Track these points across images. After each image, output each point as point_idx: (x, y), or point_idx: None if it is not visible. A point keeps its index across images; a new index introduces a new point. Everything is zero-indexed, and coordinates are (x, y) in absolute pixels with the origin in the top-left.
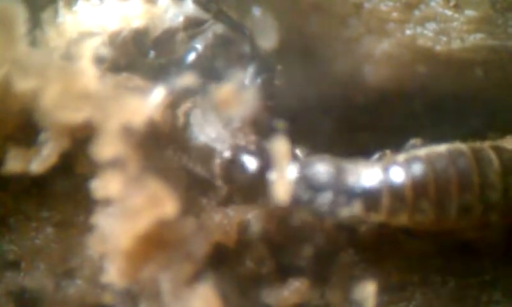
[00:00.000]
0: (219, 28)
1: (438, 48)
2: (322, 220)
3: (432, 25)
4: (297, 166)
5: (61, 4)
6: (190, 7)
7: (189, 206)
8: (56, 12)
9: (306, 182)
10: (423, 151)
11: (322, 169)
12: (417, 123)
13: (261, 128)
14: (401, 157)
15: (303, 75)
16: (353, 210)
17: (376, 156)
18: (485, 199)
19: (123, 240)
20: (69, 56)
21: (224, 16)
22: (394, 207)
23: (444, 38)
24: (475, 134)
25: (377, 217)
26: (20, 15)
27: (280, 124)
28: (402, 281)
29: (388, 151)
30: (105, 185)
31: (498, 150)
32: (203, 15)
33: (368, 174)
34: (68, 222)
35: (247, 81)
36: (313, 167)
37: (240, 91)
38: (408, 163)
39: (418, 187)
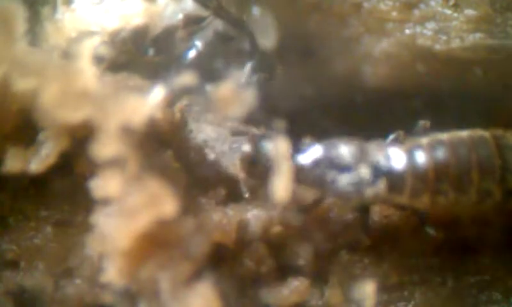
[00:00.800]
0: (218, 25)
1: (438, 47)
2: (347, 200)
3: (431, 25)
4: (321, 147)
5: (59, 1)
6: (189, 5)
7: (189, 206)
8: (54, 9)
9: (331, 163)
10: (445, 136)
11: (346, 149)
12: (417, 122)
13: (260, 128)
14: (424, 140)
15: (302, 75)
16: (377, 189)
17: (391, 137)
18: (505, 184)
19: (123, 239)
20: (68, 55)
21: (224, 12)
22: (417, 188)
23: (443, 37)
24: None
25: (400, 199)
26: (20, 14)
27: (279, 123)
28: (402, 280)
29: (401, 132)
30: (105, 185)
31: None
32: (203, 11)
33: (393, 155)
34: (67, 222)
35: (245, 79)
36: (338, 147)
37: (239, 89)
38: (430, 146)
39: (440, 170)
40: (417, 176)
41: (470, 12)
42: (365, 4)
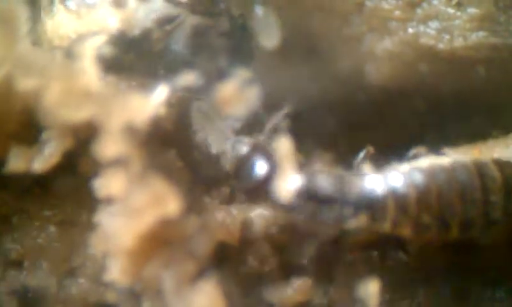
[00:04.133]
0: (194, 19)
1: (441, 46)
2: (327, 230)
3: (434, 24)
4: (301, 179)
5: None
6: (158, 5)
7: (192, 205)
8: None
9: (311, 195)
10: (426, 163)
11: (326, 182)
12: (419, 121)
13: (263, 127)
14: (405, 168)
15: (305, 74)
16: (359, 222)
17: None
18: (487, 217)
19: (126, 238)
20: (71, 55)
21: (197, 5)
22: (399, 219)
23: (446, 36)
24: (478, 132)
25: (383, 228)
26: (22, 15)
27: (282, 122)
28: (405, 279)
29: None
30: (108, 184)
31: (500, 166)
32: (173, 10)
33: (374, 186)
34: (70, 221)
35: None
36: (318, 180)
37: (242, 89)
38: (411, 176)
39: (422, 201)
40: (399, 208)
41: (473, 11)
42: (368, 3)
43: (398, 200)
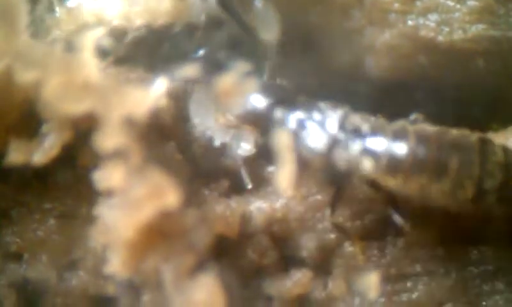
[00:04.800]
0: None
1: (440, 38)
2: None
3: (434, 16)
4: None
5: None
6: (213, 6)
7: (192, 198)
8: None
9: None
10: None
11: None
12: (419, 114)
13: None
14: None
15: (304, 67)
16: (351, 154)
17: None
18: (481, 185)
19: (126, 231)
20: (71, 47)
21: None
22: (393, 164)
23: (446, 29)
24: (477, 125)
25: (373, 170)
26: (22, 7)
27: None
28: (405, 271)
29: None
30: (108, 177)
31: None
32: (222, 14)
33: (377, 127)
34: (70, 214)
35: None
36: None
37: (241, 81)
38: (415, 130)
39: (420, 150)
40: (396, 152)
41: (472, 3)
42: None
43: (397, 144)
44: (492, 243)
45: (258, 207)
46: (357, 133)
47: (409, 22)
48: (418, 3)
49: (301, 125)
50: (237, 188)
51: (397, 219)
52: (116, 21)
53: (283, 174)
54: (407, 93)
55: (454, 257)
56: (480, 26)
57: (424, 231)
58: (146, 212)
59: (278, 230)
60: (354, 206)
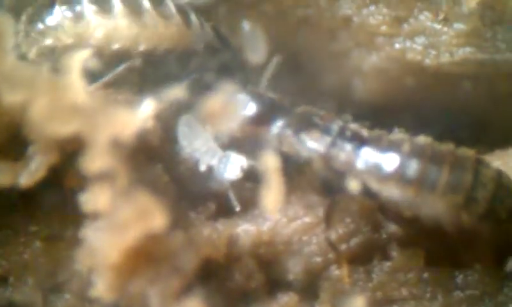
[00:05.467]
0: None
1: (427, 61)
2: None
3: (421, 39)
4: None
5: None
6: (210, 34)
7: (178, 220)
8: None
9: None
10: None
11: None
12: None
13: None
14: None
15: (292, 89)
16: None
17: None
18: (473, 193)
19: (112, 254)
20: (57, 69)
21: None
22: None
23: (433, 52)
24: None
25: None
26: (9, 28)
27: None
28: (391, 295)
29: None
30: (94, 199)
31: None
32: (217, 43)
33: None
34: (56, 236)
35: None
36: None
37: (228, 103)
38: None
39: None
40: (390, 160)
41: (459, 27)
42: (355, 19)
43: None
44: (478, 267)
45: (245, 230)
46: (355, 138)
47: (397, 45)
48: (405, 26)
49: (299, 131)
50: (224, 211)
51: (390, 226)
52: (121, 43)
53: (270, 197)
54: (394, 115)
55: (440, 281)
56: (468, 49)
57: (410, 255)
58: (132, 235)
59: (265, 253)
60: (346, 222)
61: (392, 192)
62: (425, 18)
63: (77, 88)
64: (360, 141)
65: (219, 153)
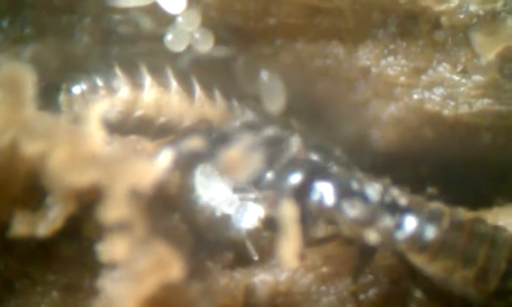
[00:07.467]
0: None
1: (446, 112)
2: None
3: (439, 90)
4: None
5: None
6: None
7: (195, 270)
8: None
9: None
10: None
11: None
12: (424, 188)
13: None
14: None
15: (310, 138)
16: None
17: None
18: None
19: (129, 304)
20: (76, 119)
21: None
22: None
23: (451, 103)
24: (482, 199)
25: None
26: (29, 78)
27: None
28: None
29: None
30: (112, 249)
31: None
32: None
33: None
34: (74, 286)
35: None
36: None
37: (247, 153)
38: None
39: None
40: (429, 232)
41: (478, 78)
42: (373, 69)
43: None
44: None
45: (262, 280)
46: (394, 206)
47: (415, 96)
48: (424, 77)
49: (339, 195)
50: (241, 260)
51: (417, 292)
52: (169, 116)
53: (288, 247)
54: (412, 165)
55: None
56: (486, 101)
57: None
58: (149, 285)
59: (282, 303)
60: (373, 274)
61: (427, 267)
62: (443, 69)
63: (96, 138)
64: (400, 210)
65: (236, 202)
